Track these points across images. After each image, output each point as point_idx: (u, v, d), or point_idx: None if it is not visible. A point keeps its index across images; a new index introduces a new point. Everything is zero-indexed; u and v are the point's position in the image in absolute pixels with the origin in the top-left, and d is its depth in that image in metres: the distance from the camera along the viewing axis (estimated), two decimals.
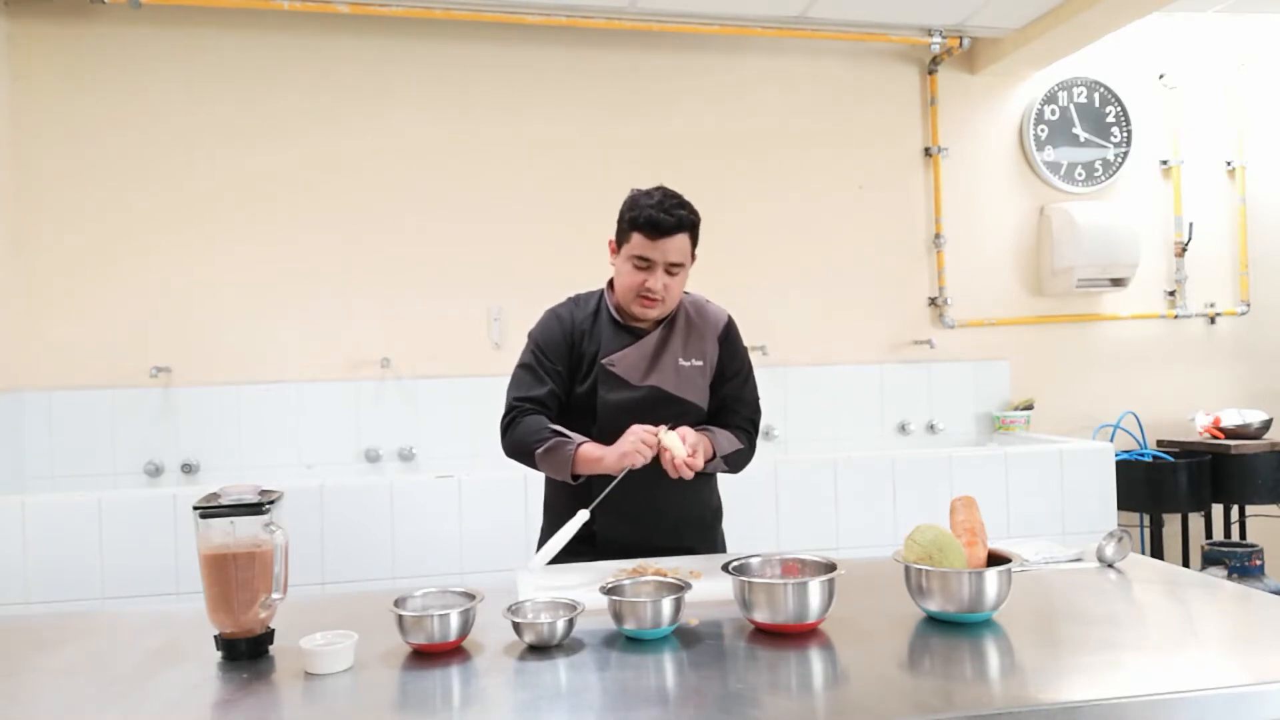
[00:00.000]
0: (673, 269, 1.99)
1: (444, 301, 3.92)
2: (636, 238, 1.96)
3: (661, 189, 2.00)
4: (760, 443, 2.21)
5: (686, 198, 2.01)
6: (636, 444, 1.86)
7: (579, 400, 2.05)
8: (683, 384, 2.06)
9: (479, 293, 3.95)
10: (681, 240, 1.97)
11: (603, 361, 2.03)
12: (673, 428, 1.92)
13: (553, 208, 4.00)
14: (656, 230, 1.94)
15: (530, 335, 2.12)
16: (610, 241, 2.08)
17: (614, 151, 4.05)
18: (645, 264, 1.97)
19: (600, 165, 4.02)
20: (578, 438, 1.97)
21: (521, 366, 2.09)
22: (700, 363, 2.09)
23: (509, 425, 2.04)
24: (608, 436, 1.96)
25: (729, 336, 2.15)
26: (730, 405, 2.12)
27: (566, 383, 2.07)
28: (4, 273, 3.55)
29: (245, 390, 3.75)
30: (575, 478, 1.97)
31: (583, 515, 1.87)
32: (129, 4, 3.50)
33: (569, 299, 2.16)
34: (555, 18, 3.80)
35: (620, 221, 2.02)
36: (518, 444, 2.01)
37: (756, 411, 2.17)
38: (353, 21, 3.83)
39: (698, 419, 2.07)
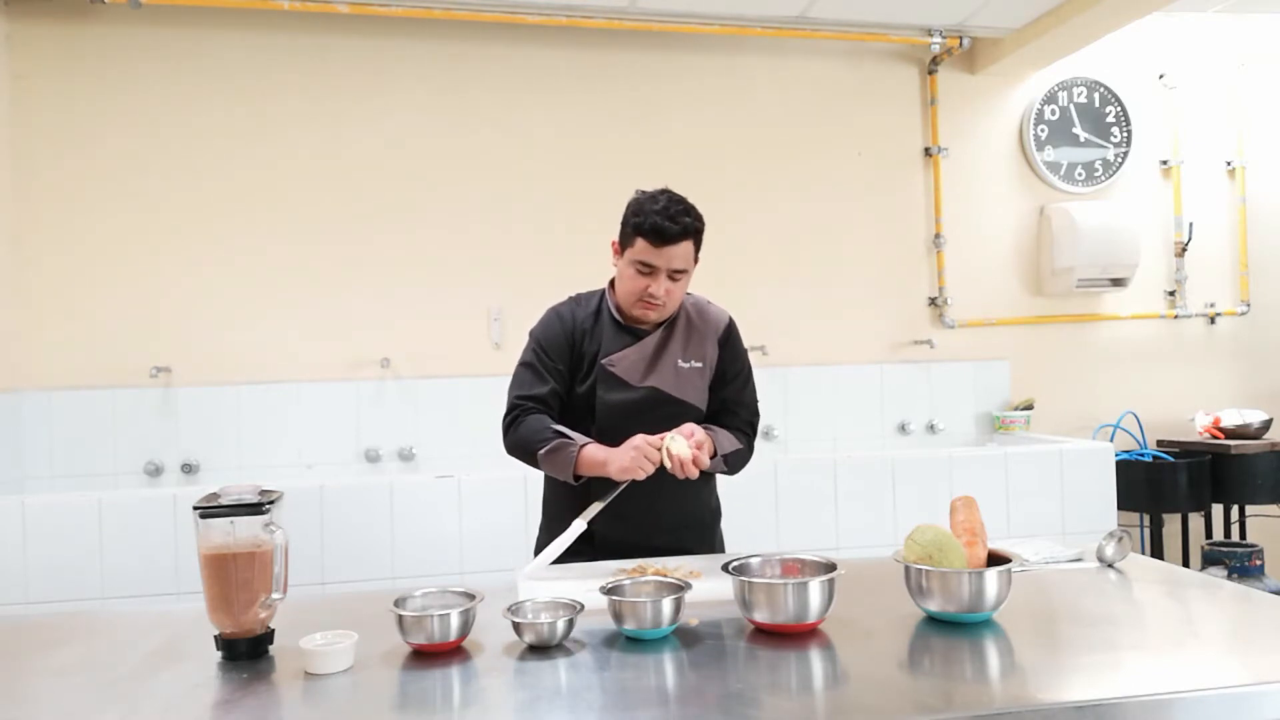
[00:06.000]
0: (676, 275, 1.98)
1: (444, 301, 3.92)
2: (640, 243, 1.95)
3: (666, 193, 1.97)
4: (760, 443, 2.21)
5: (691, 201, 2.00)
6: (640, 459, 1.85)
7: (579, 400, 2.05)
8: (682, 385, 2.06)
9: (479, 293, 3.95)
10: (685, 247, 1.96)
11: (602, 361, 2.03)
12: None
13: (553, 208, 3.99)
14: (661, 238, 1.92)
15: (531, 333, 2.12)
16: (613, 242, 2.06)
17: (614, 151, 4.05)
18: (648, 270, 1.96)
19: (600, 165, 4.02)
20: (581, 439, 1.96)
21: (523, 365, 2.08)
22: (700, 364, 2.09)
23: (511, 424, 2.03)
24: (606, 437, 1.97)
25: (729, 338, 2.14)
26: (729, 407, 2.12)
27: (568, 381, 2.06)
28: (4, 273, 3.55)
29: (245, 390, 3.74)
30: (577, 478, 1.97)
31: (580, 526, 1.88)
32: (129, 4, 3.50)
33: (570, 298, 2.16)
34: (555, 18, 3.80)
35: (624, 225, 2.00)
36: (520, 443, 2.01)
37: (755, 414, 2.16)
38: (352, 21, 3.83)
39: (696, 420, 2.06)
